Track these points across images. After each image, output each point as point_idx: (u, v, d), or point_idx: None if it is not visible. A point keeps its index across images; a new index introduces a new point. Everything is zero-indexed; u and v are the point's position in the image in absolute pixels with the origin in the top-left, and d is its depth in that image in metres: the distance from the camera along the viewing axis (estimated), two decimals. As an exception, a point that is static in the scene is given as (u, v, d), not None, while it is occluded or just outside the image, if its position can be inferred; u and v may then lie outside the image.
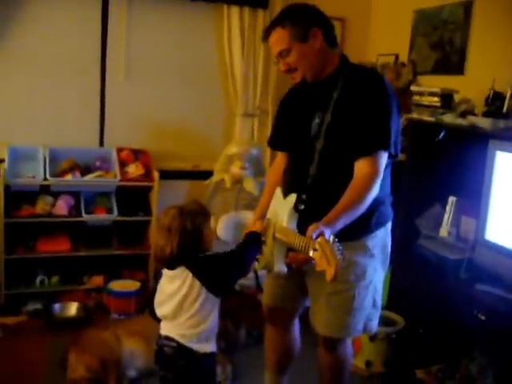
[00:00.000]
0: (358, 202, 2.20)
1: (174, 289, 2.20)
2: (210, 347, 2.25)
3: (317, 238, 1.93)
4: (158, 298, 2.30)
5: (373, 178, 2.24)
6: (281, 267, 2.30)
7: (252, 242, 2.34)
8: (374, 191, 2.24)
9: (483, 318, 2.91)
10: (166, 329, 2.28)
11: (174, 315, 2.23)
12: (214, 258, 2.22)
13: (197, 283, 2.16)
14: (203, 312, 2.20)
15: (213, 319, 2.23)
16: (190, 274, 2.17)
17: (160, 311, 2.29)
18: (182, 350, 2.22)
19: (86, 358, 3.14)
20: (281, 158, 2.68)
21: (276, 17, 2.41)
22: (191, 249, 2.19)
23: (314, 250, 1.91)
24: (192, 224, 2.20)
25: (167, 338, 2.26)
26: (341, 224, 2.11)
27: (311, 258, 1.93)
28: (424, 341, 3.39)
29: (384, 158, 2.28)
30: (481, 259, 3.13)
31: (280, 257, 2.28)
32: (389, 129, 2.26)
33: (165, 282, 2.27)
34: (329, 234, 1.95)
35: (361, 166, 2.26)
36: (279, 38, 2.32)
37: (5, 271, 4.03)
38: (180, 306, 2.20)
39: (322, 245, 1.88)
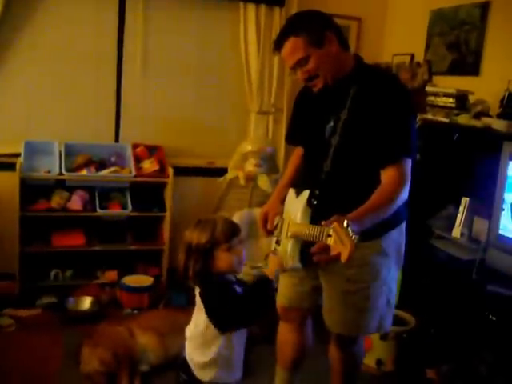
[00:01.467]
0: (386, 204, 2.21)
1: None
2: (208, 376, 2.11)
3: (331, 224, 1.94)
4: None
5: (401, 183, 2.25)
6: (296, 263, 2.30)
7: (260, 295, 2.12)
8: (404, 196, 2.26)
9: (494, 318, 2.92)
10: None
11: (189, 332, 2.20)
12: (219, 293, 2.04)
13: (202, 307, 2.07)
14: (206, 337, 2.09)
15: (217, 348, 2.08)
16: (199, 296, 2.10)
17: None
18: (185, 366, 2.17)
19: (100, 352, 3.17)
20: (299, 149, 2.70)
21: (285, 27, 2.36)
22: (195, 268, 2.05)
23: (329, 235, 1.93)
24: (197, 241, 2.05)
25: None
26: (368, 221, 2.10)
27: (327, 245, 1.94)
28: (435, 340, 3.40)
29: (409, 163, 2.29)
30: (493, 260, 3.13)
31: (294, 253, 2.28)
32: (410, 134, 2.28)
33: None
34: (346, 223, 1.92)
35: (389, 174, 2.25)
36: (295, 47, 2.28)
37: (20, 264, 4.07)
38: (193, 322, 2.16)
39: (336, 230, 1.90)
